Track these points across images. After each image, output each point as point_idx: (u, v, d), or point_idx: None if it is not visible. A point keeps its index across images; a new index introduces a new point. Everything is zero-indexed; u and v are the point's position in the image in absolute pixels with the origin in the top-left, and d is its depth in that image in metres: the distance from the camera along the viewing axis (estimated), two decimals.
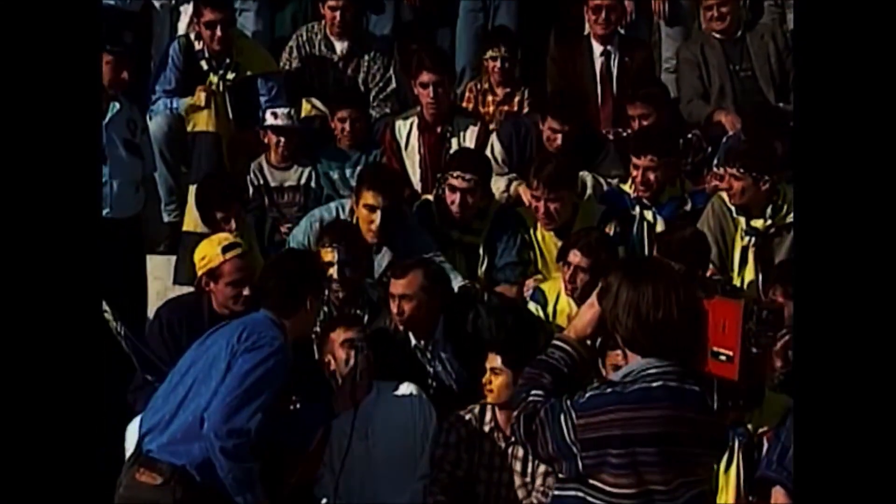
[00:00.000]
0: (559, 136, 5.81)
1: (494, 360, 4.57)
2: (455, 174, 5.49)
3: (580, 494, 2.88)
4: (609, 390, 2.89)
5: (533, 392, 2.98)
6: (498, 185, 5.91)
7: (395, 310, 4.84)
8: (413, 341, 4.92)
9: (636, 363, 2.93)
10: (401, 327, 4.87)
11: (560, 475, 2.93)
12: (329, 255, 5.01)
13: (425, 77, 6.04)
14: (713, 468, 3.48)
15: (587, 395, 2.90)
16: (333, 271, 4.98)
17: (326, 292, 4.95)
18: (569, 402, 2.90)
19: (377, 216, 5.27)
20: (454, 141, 6.09)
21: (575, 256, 5.08)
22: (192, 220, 5.81)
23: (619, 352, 4.03)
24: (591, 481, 2.86)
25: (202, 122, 6.09)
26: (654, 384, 2.87)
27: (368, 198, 5.29)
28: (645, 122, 6.08)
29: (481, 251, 5.57)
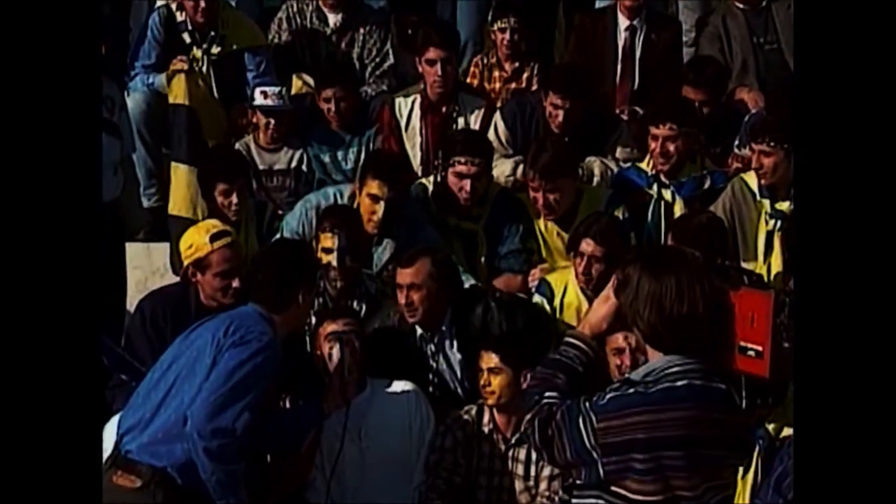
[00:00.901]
0: (560, 112, 5.77)
1: (491, 360, 4.55)
2: (462, 160, 5.44)
3: (601, 503, 2.87)
4: (631, 391, 2.87)
5: (547, 394, 2.96)
6: (503, 168, 5.87)
7: (403, 301, 4.81)
8: (419, 331, 4.90)
9: (658, 361, 2.91)
10: (409, 320, 4.85)
11: (578, 482, 2.91)
12: (329, 240, 4.98)
13: (432, 54, 5.97)
14: (738, 471, 3.47)
15: (607, 396, 2.88)
16: (332, 258, 4.96)
17: (322, 282, 4.93)
18: (587, 405, 2.88)
19: (380, 207, 5.23)
20: (461, 121, 6.06)
21: (588, 245, 5.04)
22: (178, 202, 5.75)
23: (619, 336, 4.13)
24: (612, 488, 2.86)
25: (181, 95, 6.01)
26: (679, 383, 2.86)
27: (373, 187, 5.25)
28: (705, 110, 5.99)
29: (480, 238, 5.54)
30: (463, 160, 5.43)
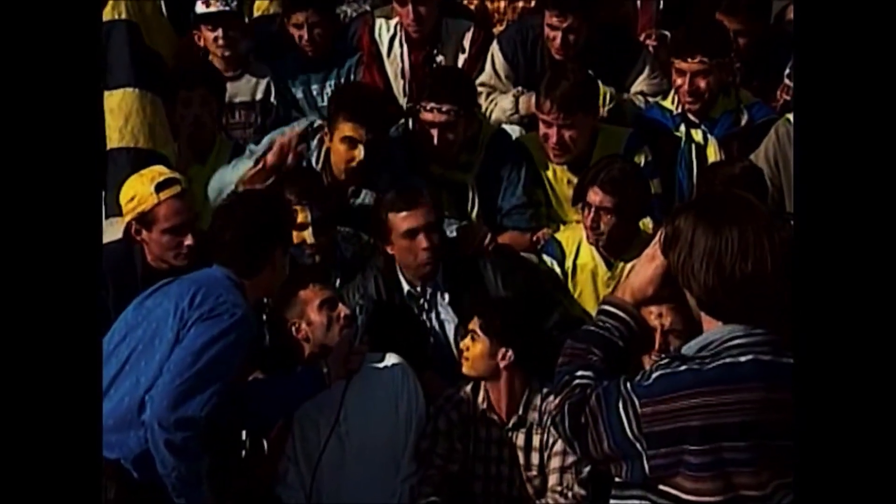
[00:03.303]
0: (559, 33, 5.68)
1: (475, 323, 4.58)
2: (429, 106, 5.34)
3: None
4: (683, 368, 2.80)
5: (579, 373, 2.91)
6: (503, 104, 5.80)
7: (425, 246, 4.79)
8: (406, 288, 4.88)
9: (716, 332, 2.85)
10: (426, 269, 4.83)
11: (618, 479, 2.85)
12: (301, 214, 4.92)
13: None
14: None
15: (654, 375, 2.81)
16: (307, 235, 4.93)
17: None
18: (629, 386, 2.83)
19: (359, 152, 5.14)
20: (441, 59, 6.02)
21: (595, 195, 4.99)
22: (115, 132, 5.46)
23: (652, 310, 4.06)
24: (661, 487, 2.80)
25: (122, 11, 5.73)
26: (742, 359, 2.80)
27: (347, 130, 5.15)
28: (742, 41, 5.90)
29: (472, 191, 5.47)
30: (429, 106, 5.34)
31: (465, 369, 4.59)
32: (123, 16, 5.67)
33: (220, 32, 5.93)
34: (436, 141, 5.33)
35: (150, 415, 3.85)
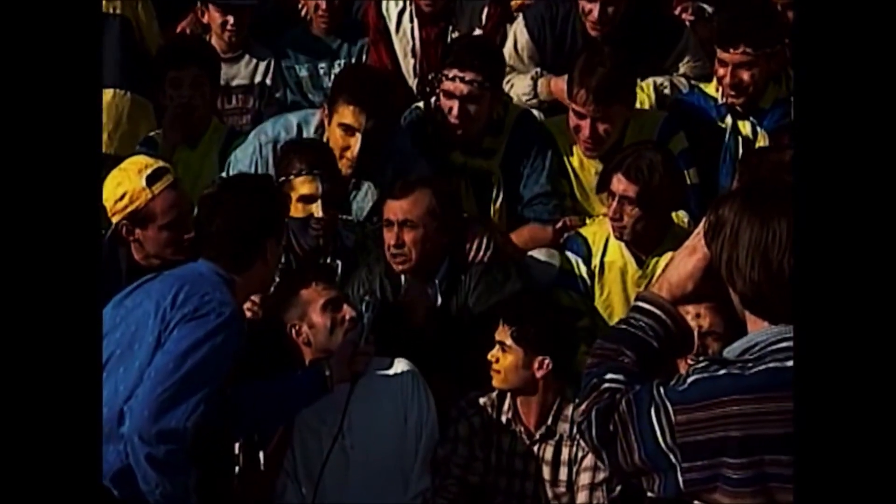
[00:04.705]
0: (596, 6, 5.64)
1: (504, 333, 4.56)
2: (451, 74, 5.31)
3: None
4: (722, 372, 2.76)
5: (608, 376, 2.87)
6: (519, 87, 5.79)
7: (392, 241, 4.81)
8: (405, 286, 4.93)
9: (761, 333, 2.80)
10: (397, 267, 4.86)
11: (650, 493, 2.81)
12: (309, 185, 4.93)
13: None
14: None
15: (690, 379, 2.76)
16: (316, 208, 4.93)
17: (295, 239, 4.93)
18: (662, 391, 2.78)
19: (356, 141, 5.12)
20: (457, 33, 6.02)
21: (619, 183, 4.97)
22: (103, 134, 5.60)
23: (690, 308, 4.16)
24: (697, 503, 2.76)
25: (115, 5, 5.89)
26: (789, 363, 2.74)
27: (346, 115, 5.12)
28: (790, 14, 5.85)
29: (496, 180, 5.45)
30: (451, 74, 5.30)
31: (496, 382, 4.58)
32: (118, 11, 5.76)
33: (230, 18, 5.97)
34: (455, 114, 5.29)
35: (130, 427, 3.83)
